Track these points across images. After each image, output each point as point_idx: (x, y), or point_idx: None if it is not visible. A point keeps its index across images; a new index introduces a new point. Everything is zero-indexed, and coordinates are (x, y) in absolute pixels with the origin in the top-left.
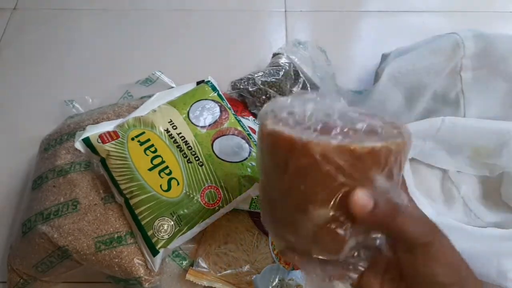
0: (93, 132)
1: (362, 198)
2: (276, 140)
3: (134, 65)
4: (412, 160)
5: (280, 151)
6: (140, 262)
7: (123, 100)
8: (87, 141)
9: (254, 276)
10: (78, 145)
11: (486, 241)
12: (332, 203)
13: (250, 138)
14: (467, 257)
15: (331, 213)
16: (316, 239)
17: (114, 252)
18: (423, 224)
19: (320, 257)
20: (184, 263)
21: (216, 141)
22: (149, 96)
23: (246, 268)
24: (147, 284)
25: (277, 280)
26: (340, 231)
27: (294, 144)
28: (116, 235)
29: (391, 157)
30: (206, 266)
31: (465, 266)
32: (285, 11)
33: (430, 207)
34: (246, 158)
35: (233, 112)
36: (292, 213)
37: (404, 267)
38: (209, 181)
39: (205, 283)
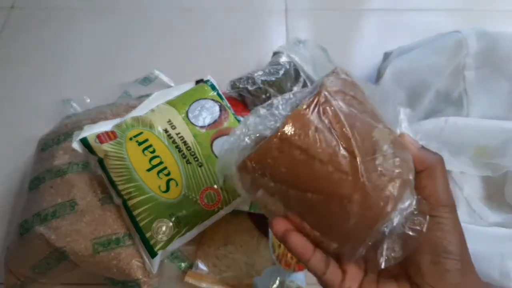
0: (90, 132)
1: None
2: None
3: (132, 64)
4: None
5: None
6: (138, 264)
7: (121, 100)
8: (84, 141)
9: (254, 278)
10: (76, 145)
11: (489, 241)
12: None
13: None
14: None
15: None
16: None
17: (112, 254)
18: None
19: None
20: (183, 265)
21: (216, 141)
22: (148, 96)
23: (246, 270)
24: (145, 286)
25: (277, 282)
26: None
27: None
28: (114, 237)
29: None
30: (205, 268)
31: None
32: (286, 9)
33: None
34: None
35: (232, 112)
36: None
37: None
38: (208, 182)
39: (204, 286)
